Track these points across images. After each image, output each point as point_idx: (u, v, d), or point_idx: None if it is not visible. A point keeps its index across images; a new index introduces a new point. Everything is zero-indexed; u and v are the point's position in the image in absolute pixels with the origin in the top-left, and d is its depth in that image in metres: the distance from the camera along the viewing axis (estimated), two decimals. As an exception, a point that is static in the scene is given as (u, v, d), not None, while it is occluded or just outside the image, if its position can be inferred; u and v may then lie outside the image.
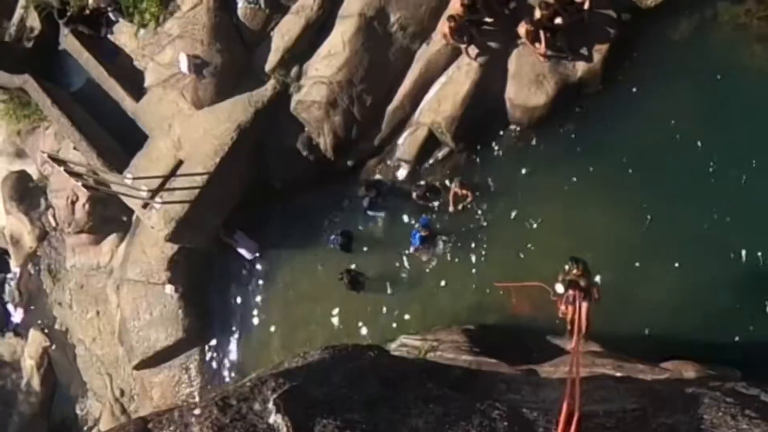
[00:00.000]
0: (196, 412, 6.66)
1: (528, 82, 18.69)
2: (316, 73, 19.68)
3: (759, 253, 16.81)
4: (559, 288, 16.11)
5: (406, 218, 19.88)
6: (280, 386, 7.06)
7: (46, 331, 23.87)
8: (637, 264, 17.68)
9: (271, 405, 6.36)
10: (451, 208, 19.40)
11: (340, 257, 20.09)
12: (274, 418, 5.84)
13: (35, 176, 23.95)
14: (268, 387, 6.92)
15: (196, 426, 6.17)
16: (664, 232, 17.67)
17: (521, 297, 18.24)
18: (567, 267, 16.26)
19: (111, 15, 22.03)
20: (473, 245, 19.23)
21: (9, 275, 24.84)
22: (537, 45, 18.20)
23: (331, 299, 20.28)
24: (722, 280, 16.91)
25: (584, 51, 18.46)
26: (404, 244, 19.68)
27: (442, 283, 19.34)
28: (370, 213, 20.20)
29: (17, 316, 24.42)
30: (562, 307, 16.59)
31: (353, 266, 19.81)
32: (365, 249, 20.31)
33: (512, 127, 19.47)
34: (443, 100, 19.24)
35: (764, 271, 16.68)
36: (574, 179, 18.68)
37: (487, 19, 18.69)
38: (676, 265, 17.29)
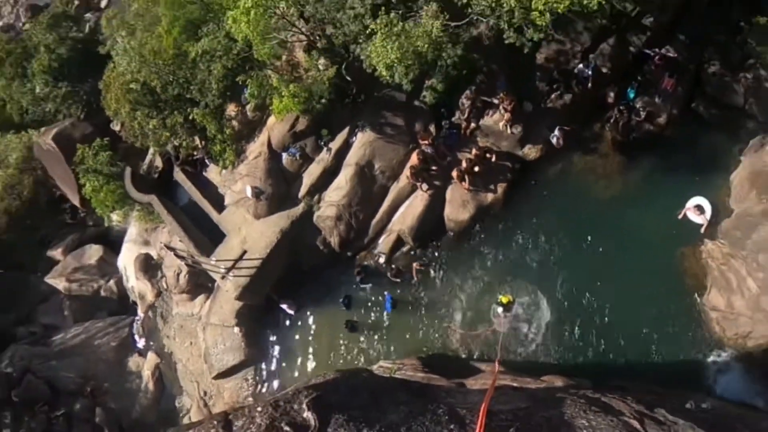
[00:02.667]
0: (258, 409, 7.24)
1: (458, 205, 20.98)
2: (329, 199, 21.78)
3: (601, 307, 18.84)
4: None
5: (382, 288, 21.47)
6: (310, 394, 7.63)
7: (158, 353, 25.19)
8: (525, 312, 19.55)
9: (304, 406, 6.96)
10: (414, 280, 21.13)
11: (344, 312, 21.72)
12: (306, 414, 6.47)
13: (155, 256, 25.54)
14: (303, 394, 7.47)
15: (258, 417, 6.70)
16: (544, 295, 19.62)
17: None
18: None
19: (206, 160, 24.44)
20: (425, 305, 21.03)
21: (136, 318, 26.06)
22: (463, 183, 20.55)
23: (338, 338, 21.83)
24: (581, 323, 18.94)
25: (492, 186, 20.74)
26: (383, 304, 21.36)
27: (407, 328, 21.01)
28: (361, 285, 21.80)
29: (140, 343, 25.64)
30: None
31: (353, 318, 21.51)
32: (359, 307, 21.76)
33: (449, 233, 21.52)
34: (406, 216, 21.44)
35: (607, 318, 18.68)
36: (489, 264, 20.80)
37: (434, 168, 21.03)
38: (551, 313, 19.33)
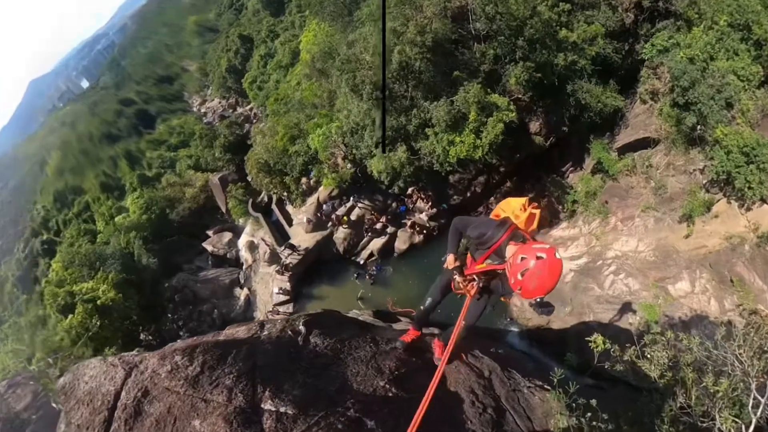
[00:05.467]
0: (278, 320, 5.78)
1: (401, 242, 20.49)
2: (342, 229, 21.21)
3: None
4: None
5: (366, 275, 19.81)
6: (305, 317, 5.61)
7: (249, 289, 23.87)
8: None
9: (301, 322, 5.28)
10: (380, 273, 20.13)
11: (354, 283, 19.81)
12: (300, 326, 5.04)
13: (255, 242, 24.51)
14: (301, 317, 5.60)
15: (278, 324, 5.33)
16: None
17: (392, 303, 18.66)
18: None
19: (287, 201, 24.11)
20: (382, 290, 18.71)
21: (242, 270, 24.70)
22: (412, 231, 20.10)
23: (350, 297, 19.09)
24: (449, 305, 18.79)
25: (419, 236, 20.19)
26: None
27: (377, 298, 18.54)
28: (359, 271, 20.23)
29: (242, 282, 24.25)
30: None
31: (359, 293, 19.08)
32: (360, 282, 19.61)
33: (395, 254, 20.65)
34: (376, 243, 20.88)
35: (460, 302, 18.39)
36: (406, 268, 19.56)
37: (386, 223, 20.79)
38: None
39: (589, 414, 3.68)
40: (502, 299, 4.06)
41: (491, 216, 3.72)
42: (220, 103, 50.61)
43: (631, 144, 14.82)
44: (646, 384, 4.60)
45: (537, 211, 3.53)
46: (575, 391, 3.84)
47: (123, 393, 3.57)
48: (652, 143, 14.08)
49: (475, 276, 3.77)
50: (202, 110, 53.36)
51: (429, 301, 4.44)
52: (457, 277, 3.82)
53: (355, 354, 4.71)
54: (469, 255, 3.85)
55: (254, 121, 37.29)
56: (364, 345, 4.97)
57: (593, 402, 3.72)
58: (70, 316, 18.53)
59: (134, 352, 4.38)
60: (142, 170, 40.53)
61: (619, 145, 15.28)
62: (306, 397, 3.72)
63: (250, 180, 26.96)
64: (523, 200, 3.57)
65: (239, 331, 5.11)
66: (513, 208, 3.54)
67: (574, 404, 3.83)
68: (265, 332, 5.04)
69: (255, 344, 4.53)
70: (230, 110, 46.48)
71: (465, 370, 4.96)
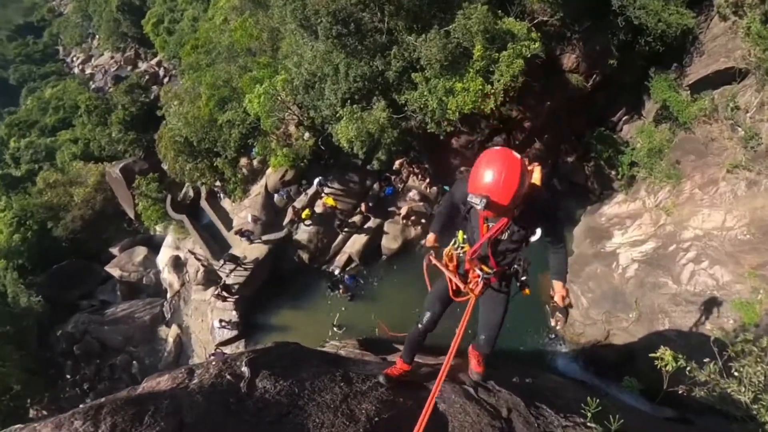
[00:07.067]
0: (213, 363, 5.97)
1: (392, 238, 20.83)
2: (304, 227, 21.49)
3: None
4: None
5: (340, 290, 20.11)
6: (249, 355, 5.82)
7: (179, 326, 23.94)
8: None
9: (244, 362, 5.42)
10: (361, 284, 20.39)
11: (324, 299, 20.32)
12: (244, 368, 5.18)
13: (182, 258, 24.75)
14: (245, 355, 5.80)
15: (212, 368, 5.53)
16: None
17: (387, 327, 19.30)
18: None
19: (221, 194, 24.40)
20: (367, 305, 19.82)
21: (166, 300, 24.96)
22: (405, 220, 20.43)
23: (325, 323, 19.60)
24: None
25: (416, 227, 20.53)
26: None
27: (358, 319, 19.46)
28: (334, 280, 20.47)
29: (168, 317, 24.47)
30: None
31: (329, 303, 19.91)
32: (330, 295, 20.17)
33: (383, 256, 21.15)
34: (356, 243, 21.21)
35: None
36: (401, 275, 19.89)
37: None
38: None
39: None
40: (526, 292, 4.31)
41: None
42: (112, 58, 50.01)
43: (708, 78, 14.63)
44: (740, 412, 4.57)
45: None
46: (619, 426, 3.73)
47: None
48: (737, 75, 13.86)
49: (477, 267, 3.91)
50: (88, 71, 52.78)
51: (427, 316, 4.52)
52: (434, 260, 4.01)
53: (320, 398, 4.86)
54: (467, 245, 3.97)
55: (165, 80, 36.89)
56: (332, 386, 5.15)
57: None
58: None
59: (18, 426, 4.34)
60: (4, 168, 39.96)
61: (692, 80, 15.21)
62: (250, 462, 3.91)
63: (165, 168, 26.90)
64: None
65: (161, 382, 5.27)
66: None
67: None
68: (196, 380, 5.20)
69: (181, 397, 4.67)
70: (128, 68, 46.00)
71: (474, 410, 5.04)
